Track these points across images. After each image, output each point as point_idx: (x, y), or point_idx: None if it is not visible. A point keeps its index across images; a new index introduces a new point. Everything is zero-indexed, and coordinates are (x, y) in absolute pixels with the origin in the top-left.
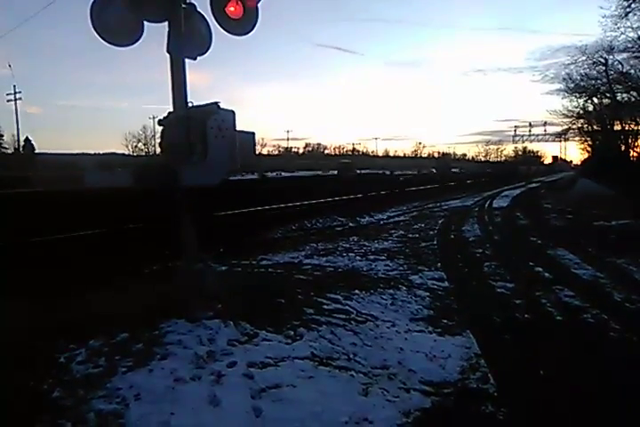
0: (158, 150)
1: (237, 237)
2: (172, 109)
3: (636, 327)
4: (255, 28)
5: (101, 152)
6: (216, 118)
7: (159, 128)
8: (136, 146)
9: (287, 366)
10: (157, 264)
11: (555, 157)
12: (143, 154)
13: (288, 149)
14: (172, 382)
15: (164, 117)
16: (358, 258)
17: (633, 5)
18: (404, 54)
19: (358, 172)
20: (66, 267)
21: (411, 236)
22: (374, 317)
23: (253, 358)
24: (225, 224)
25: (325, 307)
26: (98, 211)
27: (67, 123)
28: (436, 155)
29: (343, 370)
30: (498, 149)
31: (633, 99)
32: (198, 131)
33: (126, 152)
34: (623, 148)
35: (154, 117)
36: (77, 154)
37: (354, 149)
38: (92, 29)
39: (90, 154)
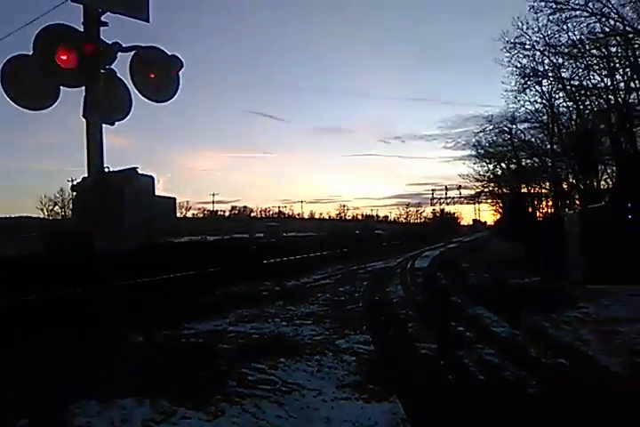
0: (72, 215)
1: (158, 305)
2: (86, 175)
3: (551, 382)
4: (176, 95)
5: (13, 215)
6: (134, 184)
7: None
8: (52, 209)
9: None
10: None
11: (475, 220)
12: (60, 218)
13: (214, 212)
14: None
15: (79, 183)
16: (284, 323)
17: (529, 82)
18: (326, 121)
19: (284, 235)
20: None
21: (336, 298)
22: (300, 385)
23: None
24: (144, 292)
25: (250, 378)
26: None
27: None
28: (359, 217)
29: None
30: (417, 211)
31: (535, 164)
32: (115, 197)
33: (41, 216)
34: (530, 209)
35: (72, 180)
36: None
37: (280, 211)
38: (4, 93)
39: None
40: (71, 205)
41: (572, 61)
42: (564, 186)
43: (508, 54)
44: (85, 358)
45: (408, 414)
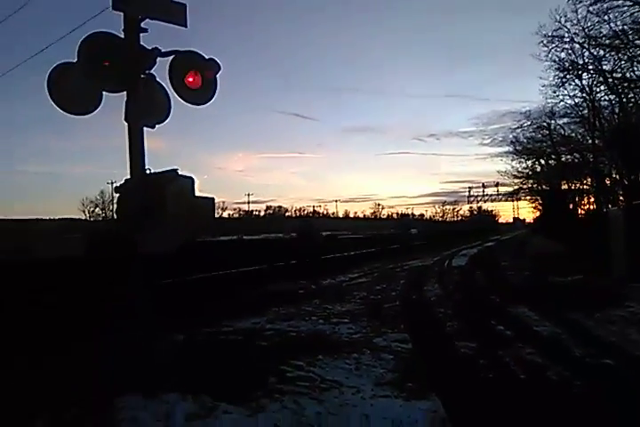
0: (116, 217)
1: (198, 303)
2: (129, 176)
3: (596, 381)
4: (214, 98)
5: (57, 217)
6: (174, 185)
7: (117, 195)
8: (93, 211)
9: None
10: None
11: (515, 218)
12: (100, 219)
13: (249, 213)
14: None
15: (121, 184)
16: (321, 321)
17: (568, 76)
18: (359, 120)
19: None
20: None
21: (373, 297)
22: (339, 383)
23: None
24: (184, 289)
25: (288, 375)
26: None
27: (21, 188)
28: (395, 216)
29: None
30: (454, 209)
31: (576, 160)
32: (156, 198)
33: (83, 217)
34: (571, 206)
35: (112, 182)
36: (30, 219)
37: (314, 211)
38: (50, 99)
39: (44, 219)
40: (114, 206)
41: (613, 53)
42: (607, 182)
43: (545, 48)
44: (130, 355)
45: (448, 413)
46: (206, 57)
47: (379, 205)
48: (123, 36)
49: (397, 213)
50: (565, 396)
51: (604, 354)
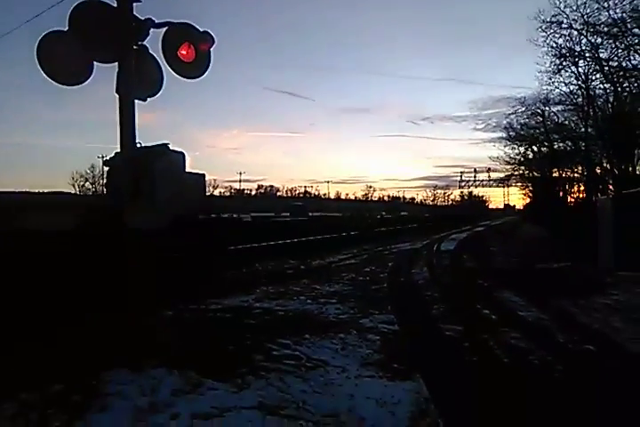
0: (105, 191)
1: (186, 281)
2: (119, 150)
3: (577, 368)
4: (207, 72)
5: (46, 191)
6: (165, 160)
7: (106, 168)
8: (83, 185)
9: (233, 416)
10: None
11: (506, 205)
12: (90, 193)
13: (240, 191)
14: None
15: (111, 158)
16: (309, 301)
17: (564, 63)
18: (354, 100)
19: (310, 214)
20: None
21: (361, 278)
22: (324, 362)
23: (198, 408)
24: (172, 267)
25: (275, 353)
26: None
27: (9, 160)
28: (386, 198)
29: (292, 419)
30: (445, 193)
31: (568, 148)
32: (146, 172)
33: (73, 191)
34: (561, 193)
35: (102, 157)
36: (18, 192)
37: (306, 191)
38: (39, 68)
39: (33, 192)
40: (104, 180)
41: (611, 41)
42: (598, 171)
43: (543, 34)
44: (116, 330)
45: (432, 394)
46: (201, 30)
47: (370, 187)
48: (115, 4)
49: (389, 196)
50: (546, 380)
51: (586, 340)
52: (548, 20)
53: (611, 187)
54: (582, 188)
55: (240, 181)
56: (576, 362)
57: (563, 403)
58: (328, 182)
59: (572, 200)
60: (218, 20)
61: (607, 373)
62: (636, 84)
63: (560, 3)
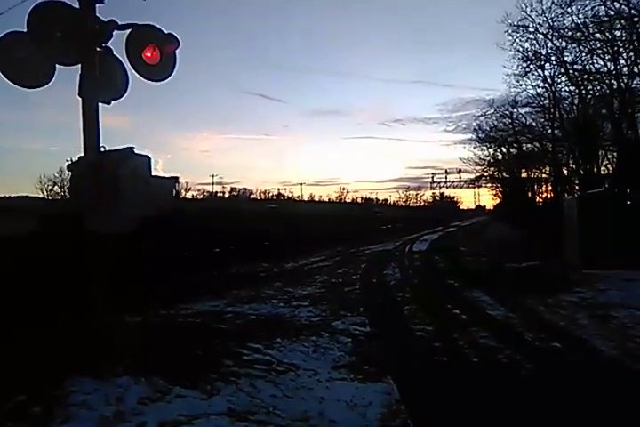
0: (68, 195)
1: (156, 285)
2: (82, 154)
3: (544, 365)
4: (172, 75)
5: (12, 195)
6: (129, 163)
7: (69, 173)
8: (51, 189)
9: (202, 423)
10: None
11: (477, 206)
12: (59, 198)
13: (213, 194)
14: None
15: (74, 162)
16: (282, 304)
17: (531, 66)
18: (326, 103)
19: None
20: None
21: (334, 281)
22: (296, 366)
23: (166, 416)
24: (142, 271)
25: (245, 358)
26: None
27: None
28: (359, 200)
29: (262, 425)
30: (417, 194)
31: (536, 149)
32: (110, 176)
33: (40, 195)
34: (530, 194)
35: (70, 160)
36: None
37: (279, 193)
38: None
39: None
40: (67, 184)
41: (575, 45)
42: (565, 171)
43: (510, 37)
44: (82, 337)
45: (402, 395)
46: (166, 32)
47: (343, 189)
48: (77, 5)
49: (362, 198)
50: (514, 378)
51: (553, 338)
52: (515, 23)
53: (577, 187)
54: (550, 188)
55: (213, 184)
56: (543, 359)
57: (531, 399)
58: (302, 185)
59: (541, 200)
60: (189, 22)
61: (573, 368)
62: (599, 87)
63: (526, 7)
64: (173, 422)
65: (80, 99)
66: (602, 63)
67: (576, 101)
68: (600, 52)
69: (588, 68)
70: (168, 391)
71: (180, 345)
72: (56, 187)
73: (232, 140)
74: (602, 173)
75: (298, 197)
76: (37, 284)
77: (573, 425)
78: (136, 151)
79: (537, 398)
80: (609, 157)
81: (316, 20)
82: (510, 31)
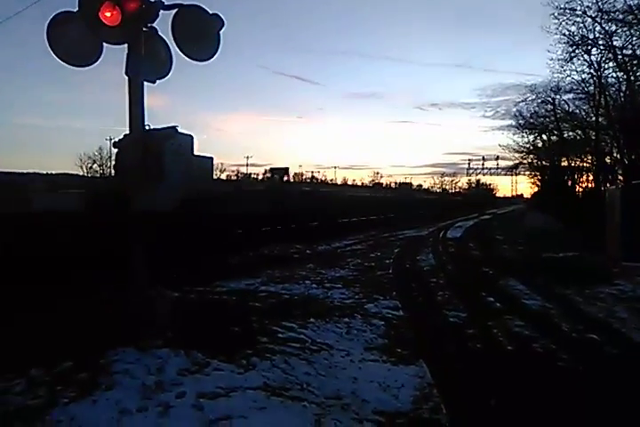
0: (113, 172)
1: (193, 263)
2: (128, 132)
3: (581, 356)
4: (217, 55)
5: (54, 172)
6: (174, 142)
7: (115, 150)
8: (91, 167)
9: (239, 396)
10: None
11: (514, 194)
12: (98, 175)
13: (247, 175)
14: (117, 414)
15: (120, 140)
16: (314, 286)
17: (577, 51)
18: (362, 86)
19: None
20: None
21: (367, 264)
22: (329, 345)
23: (204, 388)
24: (179, 248)
25: (280, 335)
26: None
27: (18, 141)
28: (393, 185)
29: (296, 400)
30: (452, 180)
31: (578, 137)
32: (155, 154)
33: (80, 173)
34: (570, 183)
35: (110, 139)
36: (26, 173)
37: (313, 176)
38: (49, 49)
39: (41, 174)
40: (112, 162)
41: (625, 29)
42: (607, 160)
43: (556, 21)
44: (124, 311)
45: (435, 379)
46: (210, 12)
47: (377, 173)
48: None
49: (396, 183)
50: (549, 368)
51: (590, 330)
52: (562, 6)
53: (620, 177)
54: (591, 177)
55: (247, 166)
56: (580, 351)
57: (564, 391)
58: (335, 168)
59: (581, 190)
60: (227, 3)
61: (610, 361)
62: None
63: None
64: (211, 393)
65: (126, 78)
66: None
67: (623, 88)
68: None
69: (638, 52)
70: (206, 365)
71: (216, 321)
72: (95, 165)
73: (267, 122)
74: None
75: (331, 180)
76: (88, 258)
77: (605, 420)
78: (179, 130)
79: (571, 390)
80: None
81: (355, 2)
82: (556, 14)
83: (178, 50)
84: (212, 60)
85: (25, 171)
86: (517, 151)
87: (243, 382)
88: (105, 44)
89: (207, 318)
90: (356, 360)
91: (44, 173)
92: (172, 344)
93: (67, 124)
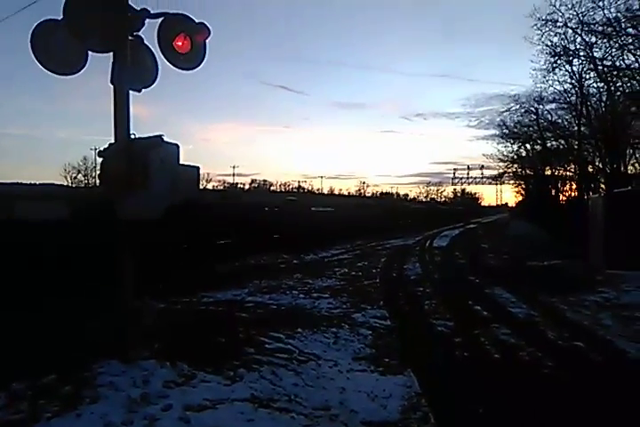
0: (98, 182)
1: (178, 273)
2: (113, 141)
3: (567, 364)
4: (202, 64)
5: (38, 182)
6: (159, 151)
7: (100, 159)
8: (75, 177)
9: (226, 408)
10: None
11: (499, 203)
12: (82, 186)
13: (233, 185)
14: None
15: (105, 149)
16: (302, 296)
17: (559, 61)
18: (347, 95)
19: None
20: None
21: (354, 273)
22: (317, 356)
23: (190, 400)
24: (163, 259)
25: (267, 346)
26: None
27: (2, 151)
28: (379, 194)
29: (284, 412)
30: (438, 190)
31: (561, 146)
32: (140, 164)
33: (65, 183)
34: (553, 192)
35: (95, 149)
36: (10, 183)
37: (299, 186)
38: (34, 57)
39: (25, 184)
40: (97, 172)
41: (605, 40)
42: (590, 169)
43: (538, 32)
44: (110, 321)
45: (423, 388)
46: (197, 21)
47: (364, 183)
48: None
49: (382, 192)
50: (535, 375)
51: (575, 337)
52: (544, 17)
53: (602, 186)
54: (574, 186)
55: (233, 175)
56: (564, 359)
57: (551, 398)
58: (322, 178)
59: (565, 198)
60: (212, 12)
61: (595, 369)
62: (628, 84)
63: (556, 1)
64: (198, 406)
65: (112, 86)
66: (633, 59)
67: (604, 98)
68: (632, 47)
69: (618, 63)
70: (192, 376)
71: (202, 332)
72: (80, 175)
73: (253, 132)
74: (629, 172)
75: (318, 189)
76: (72, 269)
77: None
78: (165, 139)
79: (557, 397)
80: (637, 155)
81: (340, 12)
82: (539, 25)
83: (164, 58)
84: (197, 68)
85: (9, 181)
86: (502, 160)
87: (230, 393)
88: (90, 53)
89: (193, 329)
90: (343, 370)
91: (28, 182)
92: (158, 356)
93: (51, 134)
